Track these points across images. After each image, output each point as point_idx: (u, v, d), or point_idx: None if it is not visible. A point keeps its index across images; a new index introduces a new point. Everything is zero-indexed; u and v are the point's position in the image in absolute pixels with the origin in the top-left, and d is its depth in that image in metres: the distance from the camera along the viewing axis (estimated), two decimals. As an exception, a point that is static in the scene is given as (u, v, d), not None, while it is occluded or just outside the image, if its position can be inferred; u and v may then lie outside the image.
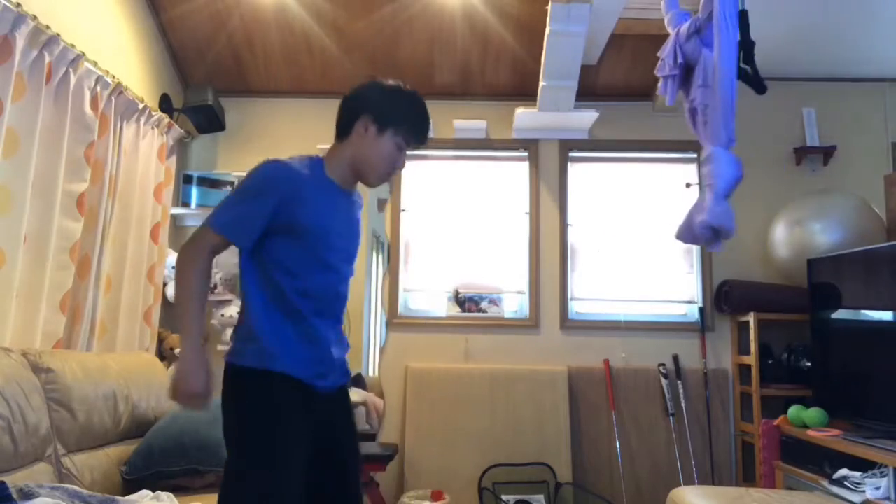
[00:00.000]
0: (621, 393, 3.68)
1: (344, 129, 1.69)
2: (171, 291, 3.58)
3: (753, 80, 2.21)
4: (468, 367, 3.71)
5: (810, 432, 2.87)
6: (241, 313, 1.63)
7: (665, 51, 2.35)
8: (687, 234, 2.25)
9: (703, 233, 2.13)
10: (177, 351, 3.58)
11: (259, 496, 1.45)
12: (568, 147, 3.95)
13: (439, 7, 3.49)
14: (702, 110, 2.26)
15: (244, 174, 4.22)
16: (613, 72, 3.83)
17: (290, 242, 1.58)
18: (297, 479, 1.51)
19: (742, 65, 2.20)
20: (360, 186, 1.77)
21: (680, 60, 2.27)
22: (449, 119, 3.93)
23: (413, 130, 1.67)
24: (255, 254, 1.61)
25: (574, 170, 3.97)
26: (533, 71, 3.75)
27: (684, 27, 2.27)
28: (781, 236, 3.50)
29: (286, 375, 1.55)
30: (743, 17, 2.21)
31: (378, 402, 3.76)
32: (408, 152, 1.71)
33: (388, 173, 1.68)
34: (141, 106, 3.20)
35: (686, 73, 2.36)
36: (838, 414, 2.99)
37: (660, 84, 2.39)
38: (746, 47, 2.19)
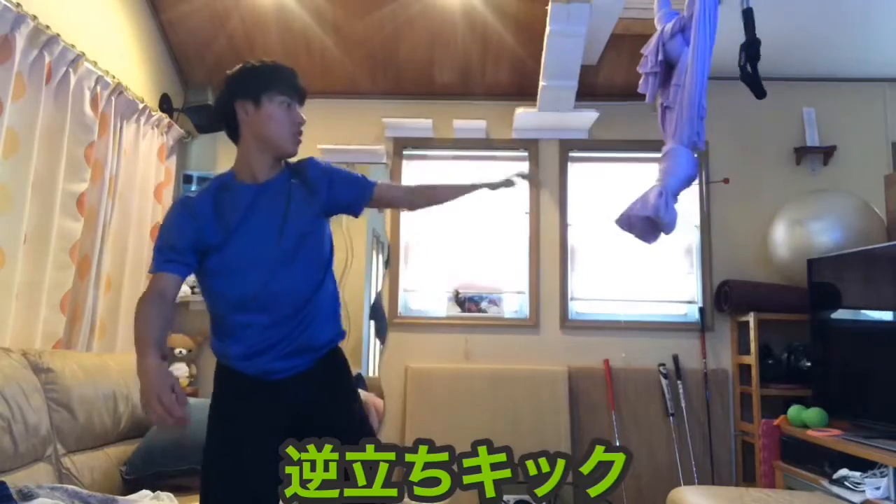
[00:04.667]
0: (621, 393, 3.68)
1: (231, 130, 1.71)
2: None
3: (754, 82, 2.20)
4: (468, 367, 3.71)
5: (810, 432, 2.87)
6: None
7: (648, 48, 2.35)
8: (624, 221, 2.23)
9: (638, 223, 2.12)
10: (176, 351, 3.59)
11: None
12: (568, 147, 3.95)
13: (439, 7, 3.49)
14: (669, 108, 2.25)
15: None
16: (613, 72, 3.83)
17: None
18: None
19: (744, 64, 2.19)
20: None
21: (660, 58, 2.27)
22: (449, 119, 3.93)
23: (284, 84, 1.68)
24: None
25: (574, 170, 3.96)
26: (533, 71, 3.75)
27: (669, 25, 2.27)
28: (781, 236, 3.50)
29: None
30: (747, 15, 2.20)
31: (378, 402, 3.76)
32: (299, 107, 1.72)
33: (295, 133, 1.70)
34: (141, 106, 3.20)
35: (668, 72, 2.35)
36: (838, 414, 2.98)
37: (641, 81, 2.38)
38: (750, 46, 2.17)
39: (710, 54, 2.06)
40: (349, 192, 1.80)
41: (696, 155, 2.14)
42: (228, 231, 1.64)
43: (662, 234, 2.20)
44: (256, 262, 1.64)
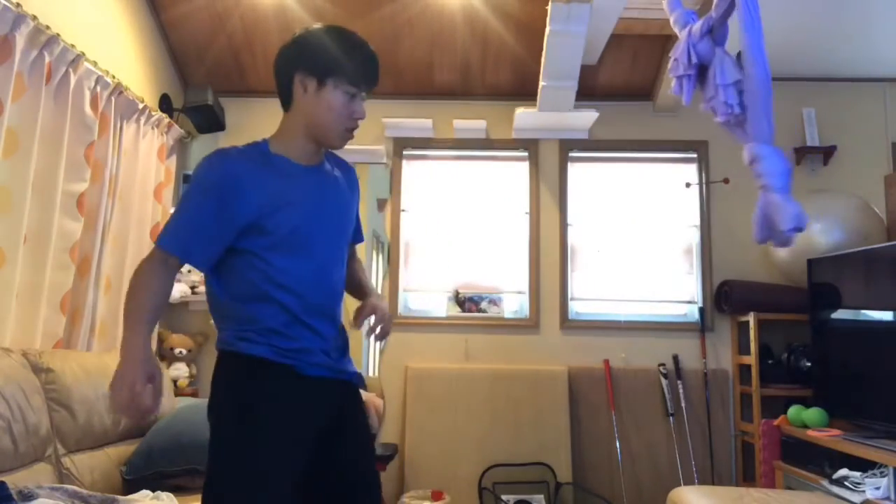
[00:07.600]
0: (621, 393, 3.68)
1: (284, 96, 1.47)
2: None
3: None
4: (468, 367, 3.71)
5: (810, 432, 2.87)
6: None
7: (678, 51, 2.34)
8: (770, 234, 2.20)
9: (789, 236, 2.11)
10: (176, 351, 3.58)
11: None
12: (568, 147, 3.95)
13: (439, 7, 3.49)
14: (735, 107, 2.26)
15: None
16: (613, 72, 3.83)
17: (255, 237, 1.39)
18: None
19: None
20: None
21: (694, 60, 2.27)
22: (449, 119, 3.93)
23: (357, 71, 1.46)
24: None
25: (574, 170, 3.96)
26: (533, 71, 3.75)
27: (696, 26, 2.27)
28: (781, 236, 3.49)
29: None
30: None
31: (378, 402, 3.76)
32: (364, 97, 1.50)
33: (349, 129, 1.48)
34: (141, 106, 3.20)
35: (700, 73, 2.35)
36: (838, 414, 2.99)
37: (673, 84, 2.38)
38: None
39: (764, 47, 2.08)
40: (357, 226, 1.69)
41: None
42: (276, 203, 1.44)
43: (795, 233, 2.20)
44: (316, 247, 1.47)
